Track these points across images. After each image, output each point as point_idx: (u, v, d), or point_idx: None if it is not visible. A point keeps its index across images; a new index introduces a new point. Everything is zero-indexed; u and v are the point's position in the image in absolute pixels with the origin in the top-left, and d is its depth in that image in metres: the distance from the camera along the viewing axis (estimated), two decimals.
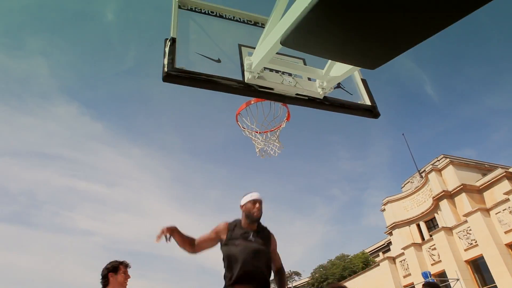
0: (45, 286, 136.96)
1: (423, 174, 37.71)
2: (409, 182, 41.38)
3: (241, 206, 3.48)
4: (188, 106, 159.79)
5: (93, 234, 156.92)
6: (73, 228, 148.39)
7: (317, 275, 59.82)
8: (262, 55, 2.86)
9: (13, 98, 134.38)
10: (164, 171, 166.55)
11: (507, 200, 26.80)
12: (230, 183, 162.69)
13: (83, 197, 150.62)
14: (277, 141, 4.97)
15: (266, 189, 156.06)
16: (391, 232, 40.23)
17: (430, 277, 21.00)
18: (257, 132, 4.96)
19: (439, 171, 34.81)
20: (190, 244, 3.31)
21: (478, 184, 32.52)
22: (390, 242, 43.94)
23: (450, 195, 33.21)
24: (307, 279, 65.58)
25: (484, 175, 33.51)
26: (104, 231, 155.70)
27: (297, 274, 64.39)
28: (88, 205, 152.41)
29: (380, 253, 55.74)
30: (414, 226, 38.34)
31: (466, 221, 29.13)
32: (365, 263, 52.94)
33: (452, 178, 33.42)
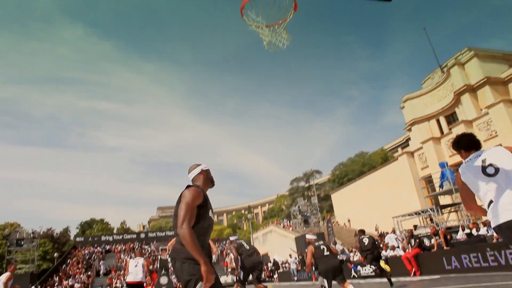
0: (87, 199, 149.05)
1: (445, 69, 36.98)
2: (429, 78, 40.79)
3: (203, 171, 3.17)
4: (196, 16, 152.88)
5: (120, 150, 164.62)
6: (101, 146, 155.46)
7: (337, 172, 62.93)
8: None
9: (16, 24, 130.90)
10: (179, 84, 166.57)
11: None
12: (247, 90, 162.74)
13: (106, 116, 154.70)
14: (284, 32, 4.74)
15: (284, 93, 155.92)
16: (410, 128, 41.03)
17: (447, 166, 22.05)
18: (264, 26, 4.74)
19: (462, 65, 34.05)
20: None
21: (503, 76, 31.97)
22: (409, 138, 45.03)
23: (472, 89, 32.99)
24: (327, 177, 69.22)
25: (511, 66, 32.70)
26: (130, 146, 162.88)
27: (318, 172, 67.74)
28: (112, 124, 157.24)
29: (399, 149, 57.50)
30: (433, 121, 38.88)
31: (487, 113, 29.42)
32: (384, 159, 55.04)
33: (475, 71, 32.82)
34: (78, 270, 34.95)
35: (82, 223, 76.74)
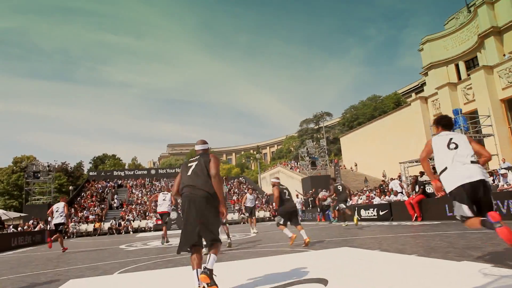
0: (99, 134, 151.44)
1: (472, 9, 34.75)
2: (453, 18, 38.52)
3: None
4: None
5: (130, 86, 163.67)
6: (111, 81, 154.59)
7: (347, 115, 62.33)
8: None
9: None
10: (190, 17, 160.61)
11: None
12: (260, 26, 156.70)
13: (115, 50, 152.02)
14: None
15: (298, 30, 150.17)
16: (427, 72, 39.66)
17: (461, 114, 21.53)
18: None
19: (492, 4, 31.85)
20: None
21: None
22: (424, 83, 43.72)
23: (498, 32, 31.19)
24: (337, 119, 68.73)
25: None
26: (140, 82, 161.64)
27: (328, 114, 67.11)
28: (121, 58, 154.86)
29: (413, 94, 56.19)
30: (452, 66, 37.41)
31: (511, 59, 28.02)
32: (396, 103, 54.01)
33: (505, 12, 30.76)
34: (92, 203, 36.45)
35: (94, 158, 78.80)
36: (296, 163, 50.31)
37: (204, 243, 3.68)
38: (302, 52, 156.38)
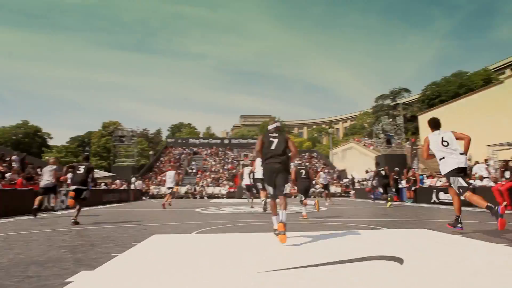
0: (176, 103, 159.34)
1: None
2: None
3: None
4: None
5: (205, 57, 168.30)
6: (187, 52, 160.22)
7: (428, 92, 58.05)
8: None
9: None
10: None
11: None
12: None
13: (191, 22, 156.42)
14: None
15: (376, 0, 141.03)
16: None
17: None
18: None
19: None
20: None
21: None
22: None
23: None
24: (416, 96, 64.41)
25: None
26: (215, 54, 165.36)
27: (407, 91, 63.09)
28: (197, 30, 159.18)
29: (507, 71, 50.47)
30: None
31: None
32: (486, 80, 49.01)
33: None
34: (169, 168, 39.00)
35: (172, 126, 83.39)
36: (370, 140, 48.59)
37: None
38: (380, 24, 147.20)
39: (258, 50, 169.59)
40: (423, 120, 47.49)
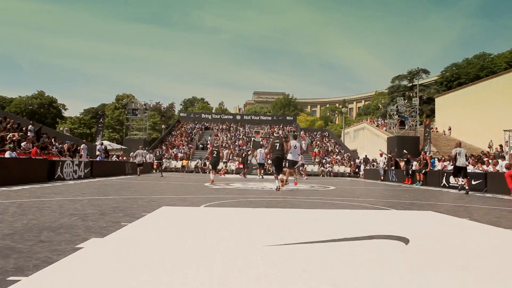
0: (189, 78, 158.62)
1: None
2: None
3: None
4: None
5: (220, 32, 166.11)
6: (202, 26, 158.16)
7: (447, 74, 56.75)
8: None
9: None
10: None
11: None
12: None
13: None
14: None
15: None
16: None
17: None
18: None
19: None
20: None
21: None
22: None
23: None
24: (435, 78, 63.03)
25: None
26: (230, 28, 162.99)
27: (425, 72, 61.71)
28: (213, 3, 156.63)
29: None
30: None
31: None
32: (510, 63, 47.54)
33: None
34: (181, 142, 39.27)
35: (185, 100, 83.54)
36: (383, 121, 48.03)
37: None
38: (402, 1, 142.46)
39: (274, 26, 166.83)
40: (439, 102, 46.66)
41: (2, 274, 2.17)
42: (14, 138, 15.41)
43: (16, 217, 4.50)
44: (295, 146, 11.14)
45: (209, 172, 18.00)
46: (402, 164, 22.14)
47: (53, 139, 21.55)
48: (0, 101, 64.20)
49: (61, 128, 47.54)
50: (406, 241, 3.49)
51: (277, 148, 10.69)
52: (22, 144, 15.60)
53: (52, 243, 3.05)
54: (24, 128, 19.68)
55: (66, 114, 69.87)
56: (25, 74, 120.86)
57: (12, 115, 27.93)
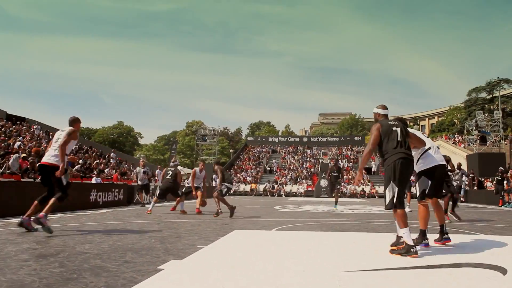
0: (255, 102, 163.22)
1: None
2: None
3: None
4: None
5: (283, 55, 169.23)
6: (265, 51, 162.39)
7: None
8: None
9: None
10: None
11: None
12: None
13: (269, 20, 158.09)
14: None
15: None
16: None
17: None
18: None
19: None
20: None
21: None
22: None
23: None
24: None
25: None
26: (293, 50, 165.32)
27: (507, 81, 56.67)
28: (275, 28, 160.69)
29: None
30: None
31: None
32: None
33: None
34: (249, 166, 39.91)
35: (251, 124, 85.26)
36: (460, 137, 44.73)
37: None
38: (476, 6, 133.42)
39: (337, 45, 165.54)
40: None
41: None
42: (100, 167, 16.82)
43: (103, 238, 4.84)
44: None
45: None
46: (487, 183, 20.28)
47: (131, 165, 23.15)
48: (87, 132, 70.77)
49: (137, 155, 50.97)
50: (503, 271, 3.12)
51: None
52: (106, 170, 16.95)
53: (136, 264, 3.21)
54: (106, 156, 21.42)
55: (142, 141, 75.03)
56: (107, 107, 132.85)
57: (96, 144, 30.62)
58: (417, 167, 4.53)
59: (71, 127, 5.65)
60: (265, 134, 64.96)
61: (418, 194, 4.60)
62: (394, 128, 4.09)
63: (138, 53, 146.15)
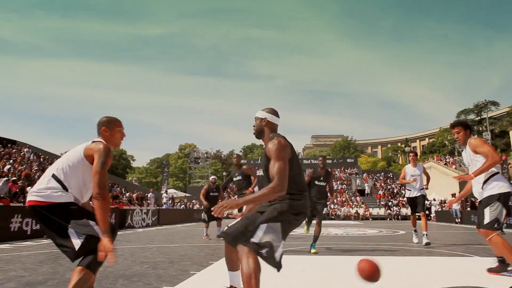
0: (247, 124, 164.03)
1: None
2: None
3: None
4: None
5: (274, 78, 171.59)
6: (256, 74, 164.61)
7: None
8: None
9: None
10: (332, 5, 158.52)
11: None
12: (408, 6, 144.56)
13: (260, 45, 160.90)
14: None
15: (453, 6, 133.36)
16: None
17: None
18: None
19: None
20: None
21: None
22: None
23: None
24: (506, 109, 58.78)
25: None
26: (284, 74, 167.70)
27: (494, 104, 57.91)
28: (266, 51, 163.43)
29: None
30: None
31: None
32: None
33: None
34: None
35: (244, 147, 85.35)
36: (452, 158, 45.14)
37: None
38: (460, 32, 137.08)
39: (327, 69, 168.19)
40: None
41: None
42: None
43: None
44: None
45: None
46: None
47: (123, 189, 22.89)
48: None
49: (129, 178, 50.47)
50: None
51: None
52: None
53: None
54: None
55: (134, 164, 74.38)
56: None
57: None
58: (497, 189, 3.86)
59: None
60: (258, 157, 64.92)
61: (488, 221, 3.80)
62: None
63: (131, 76, 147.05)
